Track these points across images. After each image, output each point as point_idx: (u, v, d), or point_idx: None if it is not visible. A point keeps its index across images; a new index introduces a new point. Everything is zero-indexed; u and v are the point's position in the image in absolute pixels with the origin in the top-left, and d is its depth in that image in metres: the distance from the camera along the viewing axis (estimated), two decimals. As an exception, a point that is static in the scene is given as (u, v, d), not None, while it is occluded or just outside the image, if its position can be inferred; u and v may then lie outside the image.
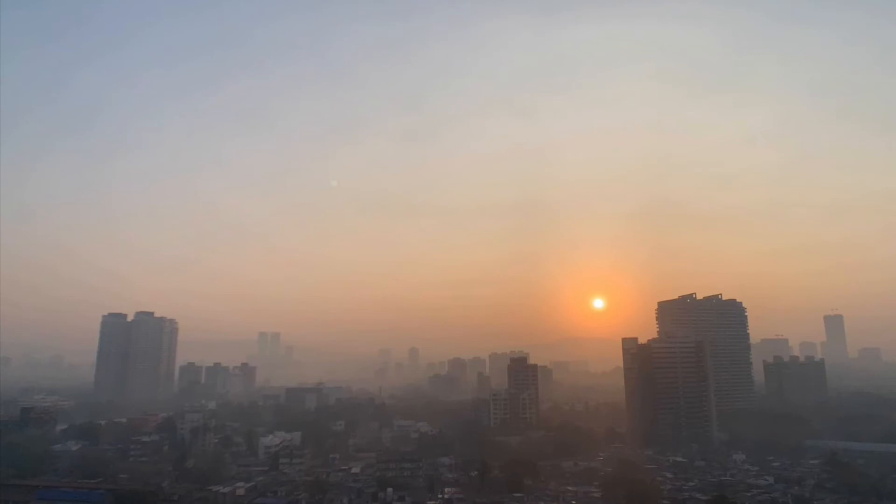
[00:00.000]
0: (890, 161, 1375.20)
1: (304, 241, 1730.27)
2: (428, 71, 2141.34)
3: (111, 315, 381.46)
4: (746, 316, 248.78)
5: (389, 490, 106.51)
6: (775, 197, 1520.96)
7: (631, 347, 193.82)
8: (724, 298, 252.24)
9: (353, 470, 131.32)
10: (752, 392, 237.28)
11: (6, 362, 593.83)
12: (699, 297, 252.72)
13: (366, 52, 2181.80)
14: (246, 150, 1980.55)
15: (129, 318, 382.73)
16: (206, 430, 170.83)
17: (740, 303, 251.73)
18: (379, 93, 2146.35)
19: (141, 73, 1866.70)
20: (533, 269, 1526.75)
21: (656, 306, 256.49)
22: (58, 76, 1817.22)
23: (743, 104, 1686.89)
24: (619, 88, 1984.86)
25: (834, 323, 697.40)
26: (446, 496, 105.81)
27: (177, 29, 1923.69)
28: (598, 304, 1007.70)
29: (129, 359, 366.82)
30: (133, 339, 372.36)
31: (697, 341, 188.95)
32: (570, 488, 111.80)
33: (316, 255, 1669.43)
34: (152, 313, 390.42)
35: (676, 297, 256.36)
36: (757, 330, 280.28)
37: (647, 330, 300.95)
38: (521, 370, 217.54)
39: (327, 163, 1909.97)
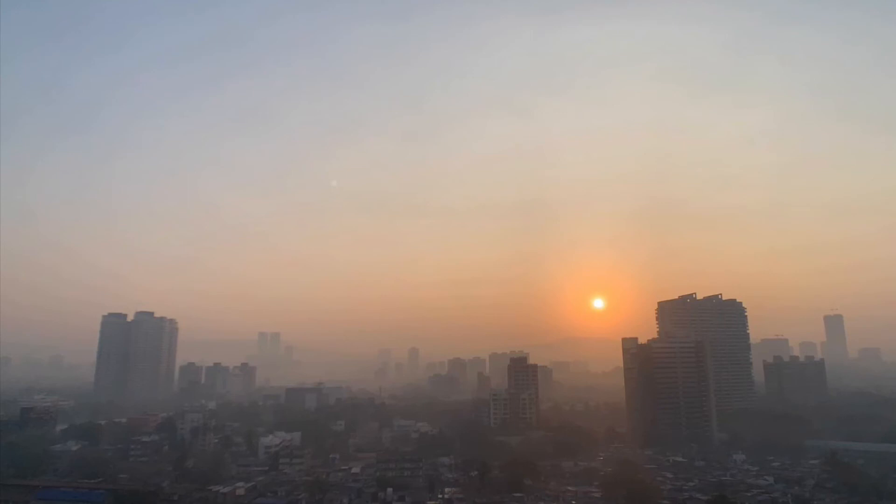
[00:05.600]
0: (890, 161, 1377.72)
1: (304, 241, 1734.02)
2: (428, 71, 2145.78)
3: (111, 315, 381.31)
4: (746, 316, 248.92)
5: (389, 490, 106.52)
6: (775, 197, 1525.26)
7: (631, 347, 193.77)
8: (724, 298, 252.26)
9: (353, 470, 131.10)
10: (752, 392, 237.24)
11: (6, 362, 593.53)
12: (699, 297, 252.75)
13: (366, 52, 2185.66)
14: (246, 150, 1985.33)
15: (129, 318, 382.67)
16: (206, 430, 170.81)
17: (740, 303, 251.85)
18: (379, 93, 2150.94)
19: (141, 73, 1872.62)
20: (533, 269, 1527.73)
21: (656, 306, 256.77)
22: (58, 76, 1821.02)
23: (743, 104, 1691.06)
24: (619, 88, 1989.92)
25: (834, 323, 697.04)
26: (446, 496, 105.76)
27: (177, 29, 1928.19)
28: (598, 304, 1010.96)
29: (129, 359, 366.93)
30: (133, 339, 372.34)
31: (697, 341, 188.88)
32: (570, 488, 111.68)
33: (316, 255, 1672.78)
34: (152, 313, 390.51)
35: (676, 297, 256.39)
36: (757, 330, 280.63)
37: (647, 330, 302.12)
38: (521, 370, 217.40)
39: (327, 163, 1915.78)
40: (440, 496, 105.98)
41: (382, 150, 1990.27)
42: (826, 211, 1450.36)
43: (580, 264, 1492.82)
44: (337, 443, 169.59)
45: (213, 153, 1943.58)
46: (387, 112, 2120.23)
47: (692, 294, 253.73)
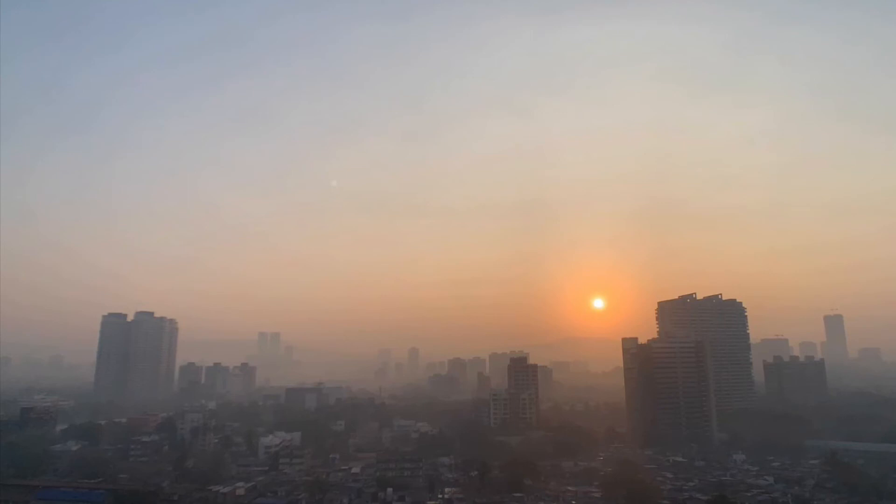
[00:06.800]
0: (890, 161, 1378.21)
1: (304, 241, 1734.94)
2: (428, 71, 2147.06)
3: (111, 315, 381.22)
4: (746, 316, 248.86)
5: (389, 490, 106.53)
6: (775, 197, 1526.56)
7: (631, 347, 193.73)
8: (724, 298, 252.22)
9: (353, 470, 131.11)
10: (752, 392, 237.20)
11: (6, 362, 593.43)
12: (699, 297, 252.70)
13: (366, 52, 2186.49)
14: (246, 150, 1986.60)
15: (129, 318, 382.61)
16: (206, 430, 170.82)
17: (740, 303, 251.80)
18: (379, 93, 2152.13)
19: (141, 73, 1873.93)
20: (533, 269, 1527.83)
21: (656, 306, 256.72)
22: (58, 76, 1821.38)
23: (743, 104, 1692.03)
24: (619, 88, 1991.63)
25: (834, 323, 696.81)
26: (446, 496, 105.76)
27: (177, 29, 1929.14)
28: (598, 304, 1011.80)
29: (129, 359, 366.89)
30: (133, 339, 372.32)
31: (697, 341, 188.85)
32: (570, 488, 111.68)
33: (316, 255, 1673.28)
34: (152, 313, 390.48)
35: (676, 297, 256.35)
36: (757, 330, 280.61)
37: (647, 330, 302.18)
38: (521, 370, 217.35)
39: (327, 163, 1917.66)
40: (440, 496, 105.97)
41: (382, 150, 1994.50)
42: (826, 211, 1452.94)
43: (580, 264, 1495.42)
44: (337, 443, 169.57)
45: (213, 153, 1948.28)
46: (387, 112, 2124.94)
47: (692, 294, 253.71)
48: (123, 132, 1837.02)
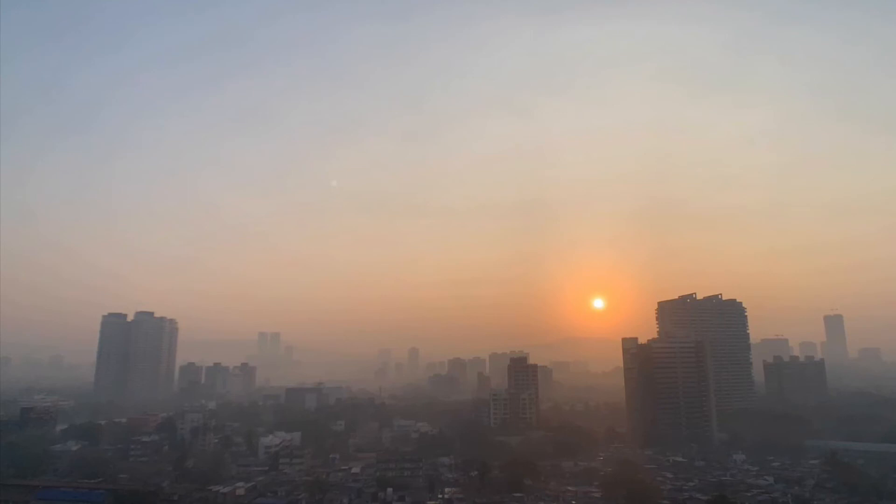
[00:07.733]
0: (890, 161, 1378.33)
1: (304, 241, 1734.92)
2: (428, 71, 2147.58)
3: (111, 315, 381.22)
4: (746, 316, 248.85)
5: (389, 490, 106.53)
6: (775, 197, 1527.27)
7: (631, 347, 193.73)
8: (724, 298, 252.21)
9: (353, 470, 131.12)
10: (752, 392, 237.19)
11: (6, 362, 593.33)
12: (699, 297, 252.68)
13: (366, 52, 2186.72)
14: (246, 150, 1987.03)
15: (129, 318, 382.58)
16: (206, 430, 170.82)
17: (740, 303, 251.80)
18: (379, 93, 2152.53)
19: (141, 73, 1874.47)
20: (533, 269, 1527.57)
21: (656, 306, 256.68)
22: (58, 76, 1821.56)
23: (743, 104, 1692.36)
24: (619, 88, 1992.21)
25: (834, 323, 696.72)
26: (446, 496, 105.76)
27: (177, 29, 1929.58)
28: (598, 304, 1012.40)
29: (129, 359, 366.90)
30: (133, 339, 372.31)
31: (697, 341, 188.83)
32: (570, 488, 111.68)
33: (316, 255, 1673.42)
34: (152, 313, 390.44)
35: (676, 297, 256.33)
36: (757, 330, 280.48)
37: (647, 330, 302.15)
38: (521, 370, 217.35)
39: (327, 163, 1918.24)
40: (440, 496, 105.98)
41: (382, 150, 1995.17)
42: (826, 211, 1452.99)
43: (580, 264, 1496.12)
44: (337, 443, 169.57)
45: (213, 153, 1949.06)
46: (387, 112, 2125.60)
47: (692, 294, 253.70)
48: (123, 132, 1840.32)
